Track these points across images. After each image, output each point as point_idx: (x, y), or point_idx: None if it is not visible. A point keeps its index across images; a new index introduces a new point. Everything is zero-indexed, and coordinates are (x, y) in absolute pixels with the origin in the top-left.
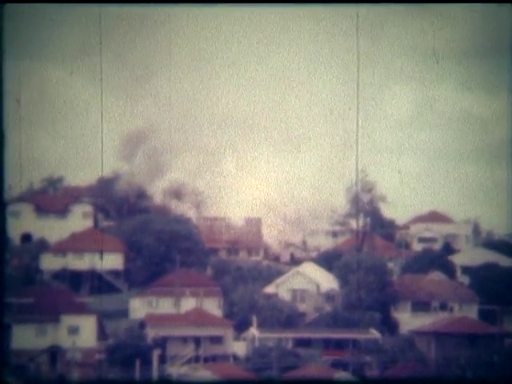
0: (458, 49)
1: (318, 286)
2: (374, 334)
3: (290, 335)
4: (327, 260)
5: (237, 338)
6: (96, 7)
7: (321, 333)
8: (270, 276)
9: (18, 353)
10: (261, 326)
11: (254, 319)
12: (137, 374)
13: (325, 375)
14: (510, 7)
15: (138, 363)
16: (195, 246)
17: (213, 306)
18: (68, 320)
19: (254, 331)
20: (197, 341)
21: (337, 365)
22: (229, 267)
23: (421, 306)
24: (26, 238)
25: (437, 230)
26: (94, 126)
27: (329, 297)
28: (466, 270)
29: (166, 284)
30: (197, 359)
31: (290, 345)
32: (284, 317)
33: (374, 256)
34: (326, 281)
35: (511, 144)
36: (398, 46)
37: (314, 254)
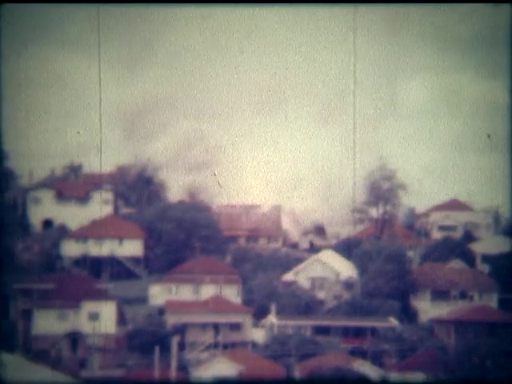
0: (477, 37)
1: (337, 274)
2: (393, 322)
3: (308, 323)
4: (346, 248)
5: (256, 325)
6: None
7: (339, 321)
8: (289, 264)
9: (40, 338)
10: (279, 313)
11: (273, 307)
12: (156, 360)
13: (343, 363)
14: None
15: (157, 349)
16: (214, 234)
17: (232, 294)
18: (88, 306)
19: (272, 318)
20: (216, 328)
21: (355, 353)
22: (248, 255)
23: (440, 294)
24: (47, 224)
25: (457, 219)
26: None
27: (348, 285)
28: (486, 258)
29: (186, 271)
30: (216, 346)
31: (308, 332)
32: (303, 304)
33: (393, 244)
34: (345, 269)
35: None
36: (417, 35)
37: (333, 242)
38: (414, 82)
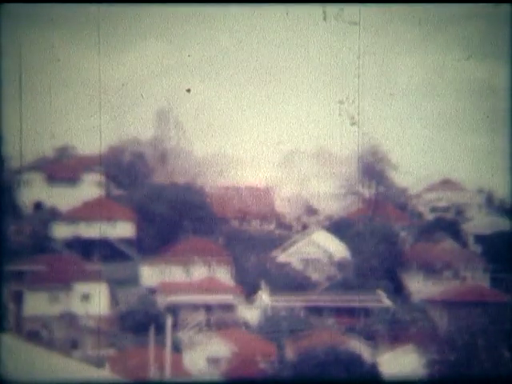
0: (468, 15)
1: (329, 255)
2: (381, 295)
3: (301, 303)
4: (339, 228)
5: (248, 306)
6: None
7: (331, 298)
8: (282, 245)
9: (31, 319)
10: (272, 293)
11: (266, 287)
12: (151, 340)
13: (335, 341)
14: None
15: (152, 329)
16: (207, 215)
17: (224, 274)
18: (80, 287)
19: (265, 299)
20: (208, 308)
21: (348, 331)
22: (241, 236)
23: (433, 274)
24: (38, 206)
25: (449, 199)
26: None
27: (340, 265)
28: (479, 238)
29: (178, 252)
30: (208, 326)
31: (301, 312)
32: (295, 285)
33: (385, 225)
34: (339, 249)
35: None
36: (405, 13)
37: (326, 223)
38: (405, 61)
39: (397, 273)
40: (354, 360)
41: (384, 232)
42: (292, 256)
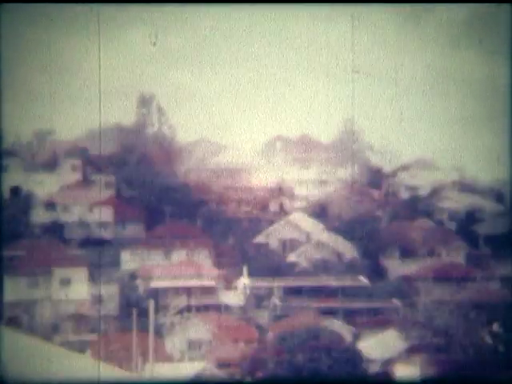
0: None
1: (307, 235)
2: (363, 281)
3: (280, 284)
4: (318, 210)
5: (228, 288)
6: None
7: (311, 281)
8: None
9: (11, 305)
10: (251, 274)
11: (245, 269)
12: (134, 324)
13: (314, 322)
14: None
15: (132, 314)
16: (187, 199)
17: (204, 257)
18: (60, 272)
19: (245, 280)
20: (188, 291)
21: (327, 312)
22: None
23: (409, 252)
24: (16, 191)
25: (423, 177)
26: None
27: (320, 247)
28: (453, 215)
29: (158, 236)
30: (188, 309)
31: (280, 294)
32: (275, 266)
33: (363, 204)
34: (317, 230)
35: None
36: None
37: (303, 204)
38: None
39: (373, 251)
40: (334, 340)
41: (361, 212)
42: (269, 236)
